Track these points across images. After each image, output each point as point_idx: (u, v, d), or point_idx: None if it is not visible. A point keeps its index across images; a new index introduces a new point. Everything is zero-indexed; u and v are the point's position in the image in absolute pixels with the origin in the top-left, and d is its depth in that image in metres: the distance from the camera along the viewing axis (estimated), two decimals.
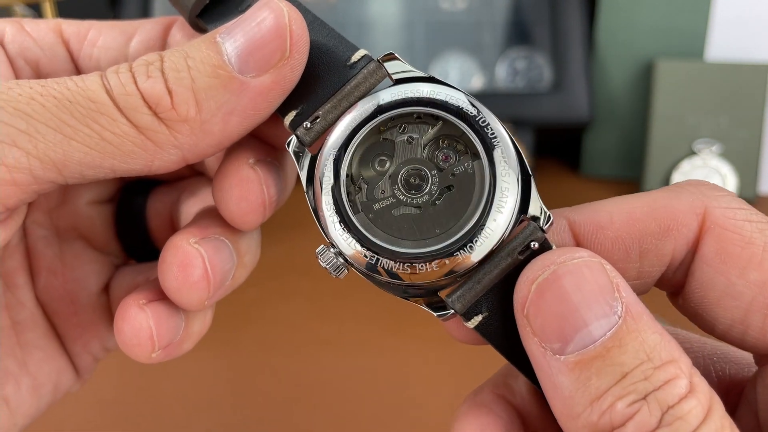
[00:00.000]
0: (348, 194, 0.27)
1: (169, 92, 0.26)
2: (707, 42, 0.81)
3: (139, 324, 0.30)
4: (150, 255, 0.38)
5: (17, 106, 0.25)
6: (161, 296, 0.31)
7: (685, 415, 0.22)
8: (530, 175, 0.27)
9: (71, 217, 0.37)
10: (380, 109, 0.27)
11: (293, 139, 0.28)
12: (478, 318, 0.27)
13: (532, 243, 0.26)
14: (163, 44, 0.34)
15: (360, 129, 0.27)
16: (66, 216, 0.36)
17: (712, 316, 0.27)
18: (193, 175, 0.39)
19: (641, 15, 0.81)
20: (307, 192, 0.28)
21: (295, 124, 0.28)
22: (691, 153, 0.79)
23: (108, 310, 0.37)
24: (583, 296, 0.23)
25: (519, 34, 0.83)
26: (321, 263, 0.27)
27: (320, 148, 0.28)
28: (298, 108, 0.29)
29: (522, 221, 0.27)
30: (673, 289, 0.28)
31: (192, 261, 0.30)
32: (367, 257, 0.26)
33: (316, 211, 0.27)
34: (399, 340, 0.59)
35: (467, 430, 0.28)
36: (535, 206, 0.27)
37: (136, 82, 0.26)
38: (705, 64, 0.79)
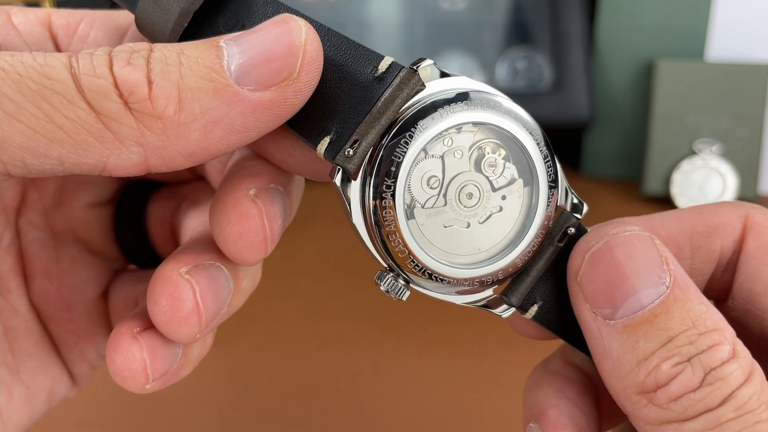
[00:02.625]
0: (407, 218, 0.26)
1: (149, 82, 0.23)
2: (707, 42, 0.81)
3: (132, 356, 0.28)
4: (151, 260, 0.37)
5: None
6: None
7: (726, 376, 0.23)
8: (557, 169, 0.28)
9: (68, 219, 0.35)
10: (427, 129, 0.26)
11: (339, 171, 0.26)
12: (534, 308, 0.28)
13: (569, 229, 0.28)
14: None
15: (412, 153, 0.26)
16: (62, 218, 0.35)
17: (762, 308, 0.28)
18: (195, 178, 0.37)
19: (641, 15, 0.81)
20: (355, 224, 0.26)
21: (333, 152, 0.26)
22: (691, 153, 0.79)
23: (106, 317, 0.36)
24: (634, 266, 0.25)
25: (519, 34, 0.82)
26: (381, 288, 0.27)
27: (366, 175, 0.26)
28: (331, 132, 0.26)
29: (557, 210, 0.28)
30: (721, 294, 0.30)
31: (181, 293, 0.27)
32: (432, 278, 0.27)
33: (372, 240, 0.27)
34: (399, 340, 0.59)
35: (544, 394, 0.29)
36: (567, 196, 0.28)
37: (111, 66, 0.24)
38: (705, 64, 0.79)
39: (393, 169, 0.25)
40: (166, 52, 0.24)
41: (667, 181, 0.79)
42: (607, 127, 0.84)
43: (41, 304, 0.35)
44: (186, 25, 0.28)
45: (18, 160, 0.23)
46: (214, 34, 0.26)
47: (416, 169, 0.26)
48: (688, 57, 0.81)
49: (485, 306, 0.29)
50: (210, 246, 0.29)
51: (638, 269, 0.25)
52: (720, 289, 0.30)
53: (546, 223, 0.27)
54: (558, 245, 0.28)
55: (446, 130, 0.26)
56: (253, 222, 0.28)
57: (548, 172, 0.27)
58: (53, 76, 0.23)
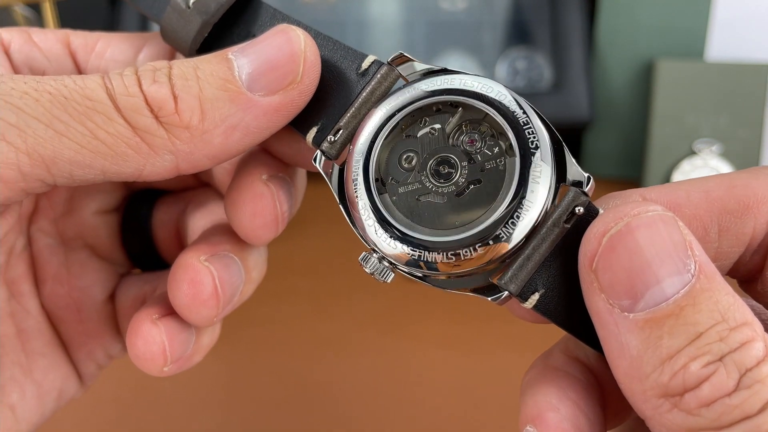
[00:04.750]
0: (378, 193, 0.27)
1: (174, 97, 0.26)
2: (707, 42, 0.81)
3: (152, 339, 0.30)
4: (155, 264, 0.38)
5: (9, 100, 0.25)
6: (173, 311, 0.31)
7: (764, 378, 0.21)
8: (561, 143, 0.27)
9: (77, 226, 0.37)
10: (400, 106, 0.28)
11: (318, 154, 0.29)
12: (535, 297, 0.26)
13: (576, 208, 0.26)
14: (171, 57, 0.34)
15: (383, 127, 0.27)
16: (72, 225, 0.37)
17: None
18: (199, 185, 0.39)
19: (641, 15, 0.81)
20: (341, 203, 0.28)
21: (318, 140, 0.29)
22: (691, 153, 0.79)
23: (113, 319, 0.37)
24: (657, 251, 0.22)
25: (519, 34, 0.82)
26: (366, 270, 0.27)
27: (347, 157, 0.28)
28: (318, 123, 0.29)
29: (561, 189, 0.26)
30: (748, 276, 0.27)
31: (202, 279, 0.30)
32: (410, 255, 0.26)
33: (353, 219, 0.27)
34: (399, 340, 0.59)
35: (544, 394, 0.26)
36: (573, 171, 0.27)
37: (140, 85, 0.26)
38: (705, 64, 0.79)
39: (362, 146, 0.27)
40: (183, 68, 0.27)
41: (667, 181, 0.79)
42: (607, 127, 0.84)
43: (52, 307, 0.36)
44: (206, 35, 0.30)
45: (66, 173, 0.26)
46: (231, 44, 0.28)
47: (390, 147, 0.28)
48: (688, 57, 0.81)
49: (478, 291, 0.27)
50: (223, 238, 0.32)
51: (661, 255, 0.22)
52: (747, 271, 0.27)
53: (540, 195, 0.25)
54: (564, 226, 0.25)
55: (419, 109, 0.28)
56: (266, 201, 0.31)
57: (531, 140, 0.26)
58: (93, 96, 0.26)
